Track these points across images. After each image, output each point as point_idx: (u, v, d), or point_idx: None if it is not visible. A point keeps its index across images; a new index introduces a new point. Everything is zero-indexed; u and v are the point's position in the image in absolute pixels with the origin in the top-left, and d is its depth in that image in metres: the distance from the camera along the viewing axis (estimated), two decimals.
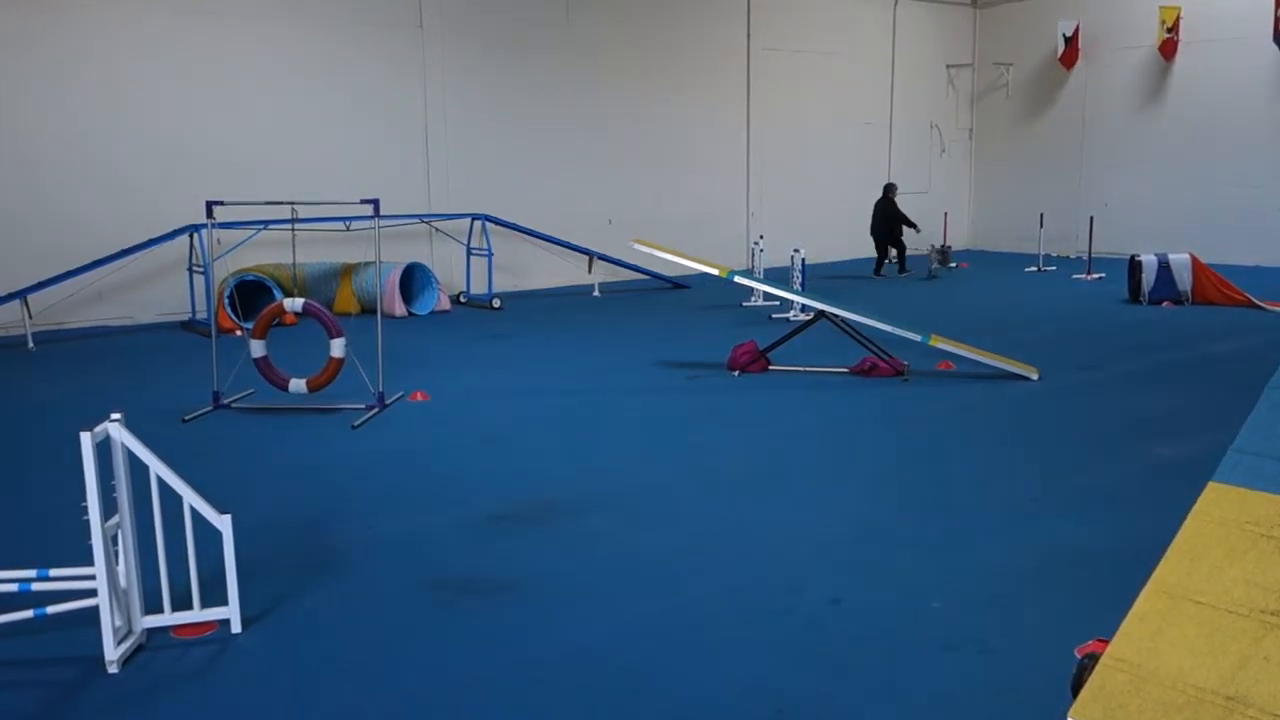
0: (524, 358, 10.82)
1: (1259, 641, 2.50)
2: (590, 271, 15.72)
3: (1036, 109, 21.32)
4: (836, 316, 9.60)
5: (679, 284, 16.14)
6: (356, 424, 7.85)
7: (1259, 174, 17.91)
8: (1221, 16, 18.12)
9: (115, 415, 4.12)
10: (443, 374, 9.83)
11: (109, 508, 4.08)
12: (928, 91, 21.64)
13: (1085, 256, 18.05)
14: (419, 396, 8.77)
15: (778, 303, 13.85)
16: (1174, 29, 18.56)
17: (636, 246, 10.41)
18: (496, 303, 14.44)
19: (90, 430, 3.94)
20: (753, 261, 15.13)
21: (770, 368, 9.71)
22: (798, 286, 12.80)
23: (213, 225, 8.65)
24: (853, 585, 4.78)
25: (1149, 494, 6.08)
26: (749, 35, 18.65)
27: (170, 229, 12.41)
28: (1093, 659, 2.77)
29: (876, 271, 17.76)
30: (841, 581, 4.82)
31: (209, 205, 8.29)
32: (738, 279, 10.35)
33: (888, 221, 17.64)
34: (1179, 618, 2.63)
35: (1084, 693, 2.59)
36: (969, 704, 3.74)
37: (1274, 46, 17.26)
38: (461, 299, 14.98)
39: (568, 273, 16.25)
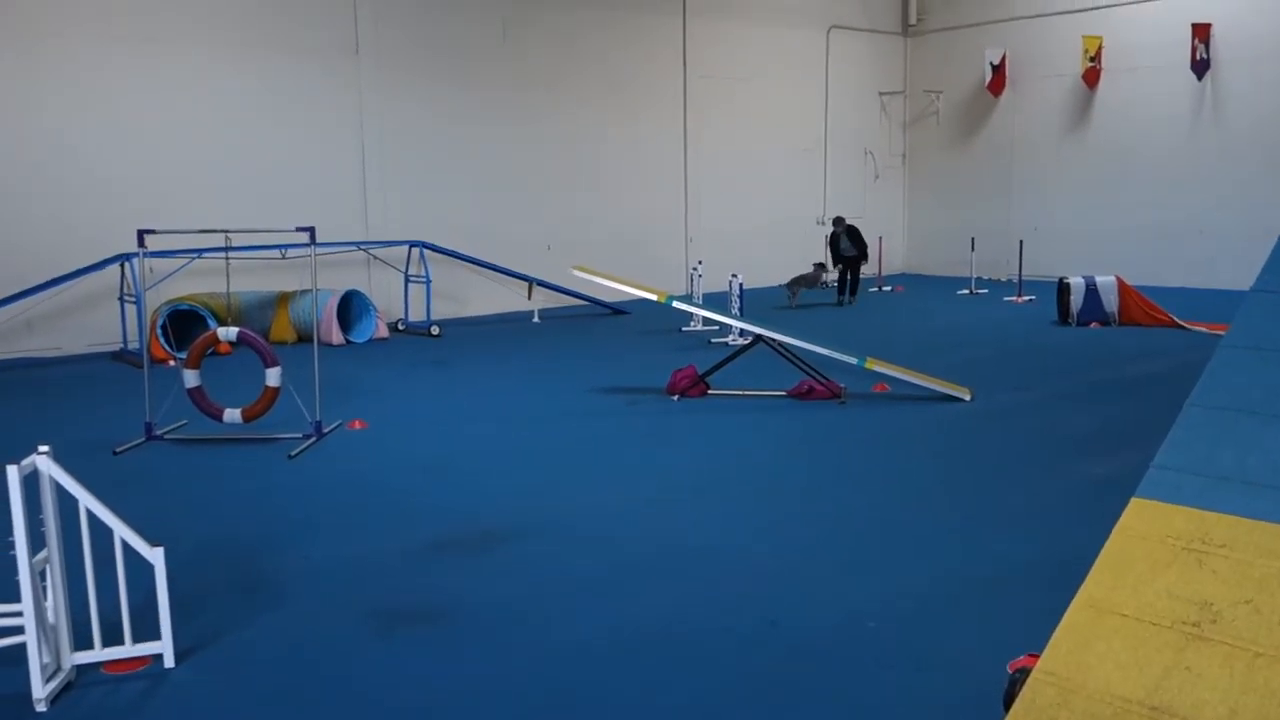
0: (463, 384, 10.77)
1: (1181, 652, 2.57)
2: (530, 298, 15.69)
3: (967, 135, 21.76)
4: (774, 341, 9.70)
5: (618, 310, 16.19)
6: (294, 454, 7.75)
7: (1180, 198, 18.44)
8: (1142, 46, 18.68)
9: (43, 448, 4.04)
10: (381, 402, 9.75)
11: (37, 542, 3.99)
12: (861, 118, 21.99)
13: (1016, 279, 18.43)
14: (357, 425, 8.68)
15: (717, 327, 13.94)
16: (1096, 58, 19.08)
17: (576, 273, 10.45)
18: (435, 330, 14.36)
19: (16, 463, 3.86)
20: (692, 286, 15.23)
21: (710, 392, 9.77)
22: (736, 311, 12.90)
23: (145, 254, 8.51)
24: (789, 606, 4.82)
25: (1079, 510, 6.21)
26: (685, 62, 18.84)
27: (101, 258, 12.17)
28: (1024, 673, 2.83)
29: (852, 295, 17.71)
30: (778, 602, 4.86)
31: (140, 234, 8.15)
32: (676, 304, 10.42)
33: (859, 246, 17.68)
34: (1105, 631, 2.70)
35: (1015, 707, 2.65)
36: None
37: (1192, 75, 17.83)
38: (400, 326, 14.88)
39: (507, 299, 16.22)
